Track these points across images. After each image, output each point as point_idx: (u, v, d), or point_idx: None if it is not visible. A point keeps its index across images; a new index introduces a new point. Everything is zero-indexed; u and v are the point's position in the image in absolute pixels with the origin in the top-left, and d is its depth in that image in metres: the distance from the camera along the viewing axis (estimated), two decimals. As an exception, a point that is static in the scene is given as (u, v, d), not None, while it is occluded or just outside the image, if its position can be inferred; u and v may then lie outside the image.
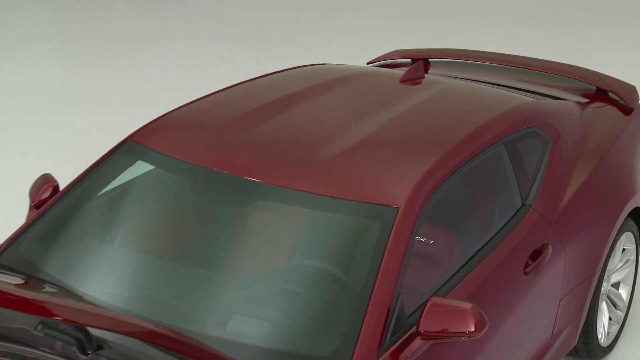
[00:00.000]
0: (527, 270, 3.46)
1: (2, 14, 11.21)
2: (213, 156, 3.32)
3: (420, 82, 4.11)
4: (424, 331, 2.77)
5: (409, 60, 5.43)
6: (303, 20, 11.10)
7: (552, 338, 3.81)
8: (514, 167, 3.64)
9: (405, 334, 2.87)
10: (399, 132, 3.43)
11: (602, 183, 4.14)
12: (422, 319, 2.77)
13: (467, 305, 2.77)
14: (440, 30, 10.73)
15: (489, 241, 3.40)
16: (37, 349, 2.83)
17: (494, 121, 3.62)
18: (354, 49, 10.05)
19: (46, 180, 3.69)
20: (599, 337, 4.31)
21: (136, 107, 8.21)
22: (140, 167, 3.65)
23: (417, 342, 2.79)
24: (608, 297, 4.46)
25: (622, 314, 4.55)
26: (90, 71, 9.21)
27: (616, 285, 4.53)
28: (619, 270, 4.48)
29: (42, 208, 3.53)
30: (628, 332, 4.70)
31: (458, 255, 3.23)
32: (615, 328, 4.51)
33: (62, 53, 9.92)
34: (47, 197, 3.62)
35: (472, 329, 2.74)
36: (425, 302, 2.80)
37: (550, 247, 3.59)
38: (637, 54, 9.76)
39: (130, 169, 3.61)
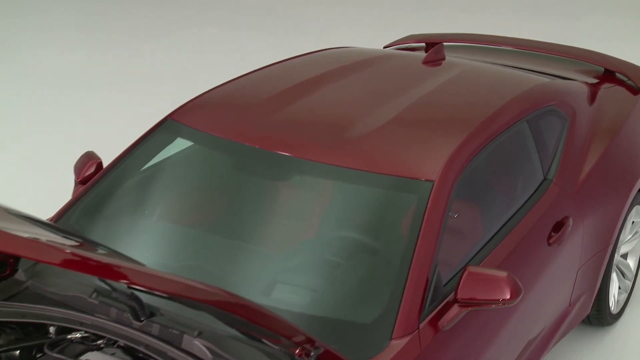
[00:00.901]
0: (550, 241, 3.41)
1: (30, 2, 11.12)
2: (251, 133, 3.26)
3: (440, 64, 4.04)
4: (462, 299, 2.71)
5: (423, 44, 5.35)
6: (311, 9, 10.99)
7: (569, 306, 3.76)
8: (536, 143, 3.58)
9: (442, 301, 2.82)
10: (427, 111, 3.37)
11: (615, 160, 4.08)
12: (459, 287, 2.71)
13: (503, 274, 2.71)
14: (442, 18, 10.64)
15: (515, 213, 3.34)
16: (92, 315, 2.78)
17: (517, 99, 3.55)
18: (361, 36, 9.95)
19: (90, 157, 3.63)
20: (610, 304, 4.26)
21: (158, 91, 8.13)
22: (180, 144, 3.59)
23: (455, 309, 2.74)
24: (617, 267, 4.41)
25: (629, 283, 4.51)
26: (114, 57, 9.12)
27: (624, 256, 4.48)
28: (628, 242, 4.43)
29: (88, 183, 3.47)
30: (635, 300, 4.66)
31: (487, 227, 3.17)
32: (624, 296, 4.46)
33: (86, 41, 9.83)
34: (91, 173, 3.56)
35: (508, 297, 2.69)
36: (462, 271, 2.74)
37: (571, 220, 3.53)
38: (627, 40, 9.68)
39: (170, 146, 3.55)
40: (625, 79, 4.79)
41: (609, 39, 9.76)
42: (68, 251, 1.94)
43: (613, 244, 3.99)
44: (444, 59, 4.12)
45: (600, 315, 4.19)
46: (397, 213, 2.94)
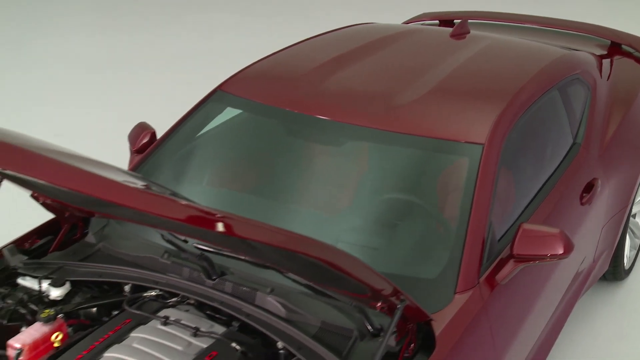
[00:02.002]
0: (582, 201, 3.34)
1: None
2: (300, 101, 3.17)
3: (465, 37, 3.94)
4: (517, 254, 2.64)
5: (437, 22, 5.26)
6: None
7: (594, 262, 3.70)
8: (565, 110, 3.50)
9: (497, 257, 2.75)
10: (464, 80, 3.28)
11: (633, 126, 4.01)
12: (515, 243, 2.64)
13: (556, 230, 2.64)
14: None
15: (551, 175, 3.27)
16: (165, 274, 2.69)
17: (548, 68, 3.47)
18: (364, 19, 9.82)
19: (144, 128, 3.53)
20: (624, 261, 4.22)
21: (177, 71, 7.99)
22: (229, 114, 3.49)
23: (511, 264, 2.66)
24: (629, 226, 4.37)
25: (638, 241, 4.46)
26: (132, 41, 8.97)
27: (634, 216, 4.43)
28: (637, 203, 4.37)
29: (146, 152, 3.38)
30: (641, 257, 4.64)
31: (529, 188, 3.09)
32: (633, 253, 4.42)
33: (101, 25, 9.65)
34: (146, 142, 3.46)
35: (561, 252, 2.62)
36: (517, 229, 2.67)
37: (599, 181, 3.47)
38: (612, 22, 9.61)
39: (219, 116, 3.46)
40: (632, 50, 4.72)
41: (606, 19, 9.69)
42: (183, 203, 1.82)
43: (631, 204, 3.93)
44: (468, 32, 4.03)
45: (615, 271, 4.15)
46: (452, 175, 2.86)
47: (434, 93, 3.14)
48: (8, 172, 2.35)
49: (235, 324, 2.56)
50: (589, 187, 3.40)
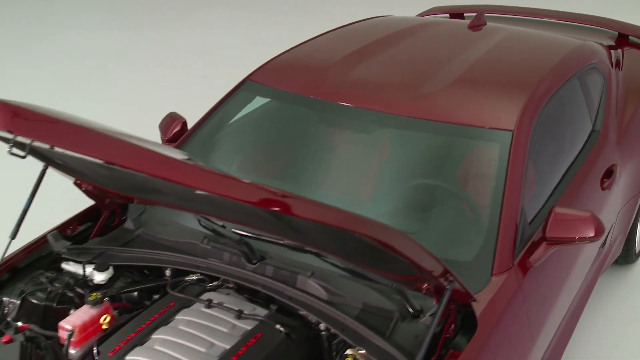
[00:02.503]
0: (603, 186, 3.32)
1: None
2: (330, 89, 3.13)
3: (482, 29, 3.90)
4: (550, 237, 2.62)
5: (447, 15, 5.22)
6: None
7: (609, 246, 3.69)
8: (585, 98, 3.47)
9: (528, 240, 2.72)
10: (489, 69, 3.24)
11: None
12: (548, 227, 2.61)
13: (587, 214, 2.62)
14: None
15: (574, 160, 3.25)
16: (206, 259, 2.66)
17: (567, 58, 3.44)
18: (365, 13, 9.77)
19: (174, 118, 3.49)
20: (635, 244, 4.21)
21: (190, 65, 7.94)
22: (258, 102, 3.45)
23: (544, 247, 2.64)
24: None
25: None
26: (142, 37, 8.91)
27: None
28: None
29: (178, 141, 3.34)
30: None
31: (554, 173, 3.06)
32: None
33: (113, 21, 9.59)
34: (178, 131, 3.43)
35: (593, 234, 2.60)
36: (549, 213, 2.64)
37: (618, 167, 3.44)
38: (617, 14, 9.56)
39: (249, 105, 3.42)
40: (639, 41, 4.68)
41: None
42: (247, 182, 1.78)
43: None
44: (485, 24, 3.99)
45: (627, 255, 4.13)
46: (480, 161, 2.83)
47: (460, 82, 3.11)
48: (58, 156, 2.32)
49: (273, 307, 2.54)
50: (609, 173, 3.38)
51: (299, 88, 3.19)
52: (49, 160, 2.58)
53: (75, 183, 2.78)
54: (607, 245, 3.59)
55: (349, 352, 2.31)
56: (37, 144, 1.78)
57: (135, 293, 2.68)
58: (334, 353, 2.39)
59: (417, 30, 3.77)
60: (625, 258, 4.14)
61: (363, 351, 2.27)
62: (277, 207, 1.74)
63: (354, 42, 3.57)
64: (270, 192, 1.74)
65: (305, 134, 3.21)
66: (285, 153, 3.23)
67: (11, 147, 1.73)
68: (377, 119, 2.97)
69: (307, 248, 2.51)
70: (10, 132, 1.68)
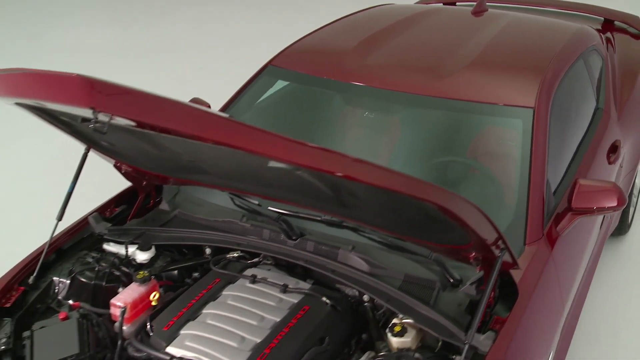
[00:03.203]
0: (610, 160, 3.32)
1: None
2: (353, 72, 3.08)
3: (483, 15, 3.87)
4: (576, 207, 2.61)
5: (440, 4, 5.18)
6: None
7: (611, 217, 3.70)
8: (589, 77, 3.46)
9: (554, 211, 2.71)
10: (501, 52, 3.21)
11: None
12: (573, 198, 2.60)
13: (610, 185, 2.61)
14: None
15: (584, 136, 3.24)
16: (247, 236, 2.61)
17: (572, 40, 3.42)
18: (351, 7, 9.68)
19: (199, 103, 3.42)
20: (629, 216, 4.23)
21: (184, 58, 7.82)
22: (278, 86, 3.39)
23: (569, 217, 2.63)
24: None
25: (635, 199, 4.47)
26: (140, 32, 8.75)
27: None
28: None
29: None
30: (637, 213, 4.65)
31: (568, 148, 3.05)
32: (632, 210, 4.43)
33: (107, 17, 9.40)
34: None
35: (615, 204, 2.59)
36: (573, 184, 2.63)
37: (621, 142, 3.45)
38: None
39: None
40: (625, 26, 4.69)
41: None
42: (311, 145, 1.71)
43: (639, 163, 3.94)
44: (487, 10, 3.96)
45: (621, 226, 4.15)
46: (504, 136, 2.81)
47: (477, 64, 3.08)
48: (111, 137, 2.24)
49: (310, 282, 2.50)
50: (614, 148, 3.38)
51: (322, 71, 3.13)
52: (94, 142, 2.51)
53: (115, 165, 2.71)
54: (609, 216, 3.60)
55: (395, 321, 2.28)
56: (116, 120, 1.70)
57: (175, 272, 2.62)
58: (380, 324, 2.35)
59: (423, 18, 3.73)
60: (619, 230, 4.17)
61: (409, 320, 2.25)
62: (347, 173, 1.68)
63: (365, 30, 3.52)
64: (341, 156, 1.68)
65: (331, 115, 3.16)
66: (312, 134, 3.18)
67: (94, 123, 1.65)
68: (402, 99, 2.93)
69: (354, 223, 2.45)
70: (93, 108, 1.61)
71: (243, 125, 1.68)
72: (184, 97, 5.92)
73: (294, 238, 2.56)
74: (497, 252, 2.06)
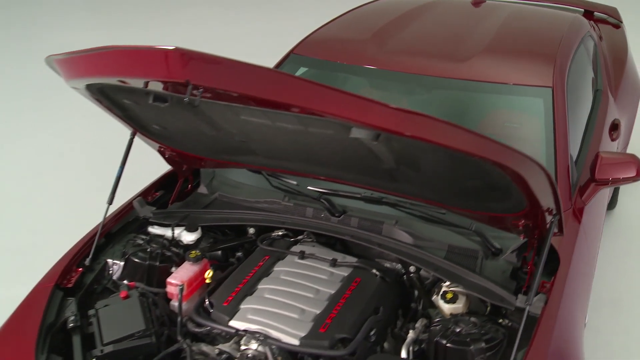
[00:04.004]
0: (612, 137, 3.34)
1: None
2: (377, 58, 3.03)
3: (481, 6, 3.86)
4: (599, 179, 2.61)
5: None
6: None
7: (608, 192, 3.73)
8: (590, 61, 3.48)
9: (577, 183, 2.70)
10: (512, 38, 3.20)
11: (630, 77, 4.04)
12: (596, 170, 2.61)
13: (630, 156, 2.62)
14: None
15: (590, 115, 3.25)
16: (290, 215, 2.55)
17: (573, 26, 3.43)
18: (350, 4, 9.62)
19: None
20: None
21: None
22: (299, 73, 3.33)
23: (593, 188, 2.63)
24: None
25: None
26: (130, 34, 8.58)
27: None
28: None
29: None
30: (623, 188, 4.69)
31: (580, 125, 3.05)
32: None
33: (96, 20, 9.20)
34: None
35: (635, 174, 2.60)
36: (595, 157, 2.63)
37: (621, 120, 3.47)
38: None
39: None
40: (605, 16, 4.72)
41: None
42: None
43: (629, 142, 3.98)
44: (485, 1, 3.95)
45: (612, 200, 4.19)
46: (527, 114, 2.80)
47: (491, 50, 3.06)
48: (169, 118, 2.17)
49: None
50: (614, 126, 3.40)
51: (346, 58, 3.08)
52: (143, 127, 2.43)
53: (159, 150, 2.63)
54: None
55: (445, 289, 2.25)
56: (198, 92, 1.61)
57: (219, 252, 2.56)
58: (434, 295, 2.30)
59: (427, 9, 3.69)
60: (610, 204, 4.20)
61: (459, 287, 2.22)
62: (448, 142, 1.64)
63: (376, 21, 3.47)
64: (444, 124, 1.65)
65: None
66: None
67: (189, 97, 1.57)
68: (427, 82, 2.90)
69: (401, 198, 2.40)
70: (188, 81, 1.53)
71: (351, 95, 1.62)
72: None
73: (337, 215, 2.52)
74: (549, 218, 2.04)
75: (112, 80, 1.80)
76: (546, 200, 1.93)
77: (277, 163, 2.42)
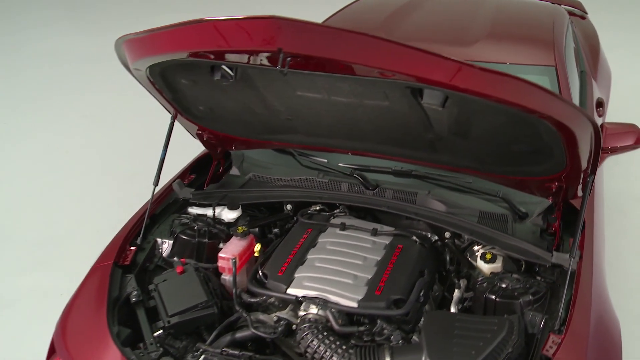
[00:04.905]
0: (599, 114, 3.40)
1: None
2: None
3: None
4: (605, 147, 2.65)
5: None
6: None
7: None
8: (575, 45, 3.54)
9: None
10: (508, 24, 3.23)
11: (603, 61, 4.13)
12: (604, 139, 2.64)
13: (631, 126, 2.67)
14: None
15: (580, 91, 3.30)
16: (326, 191, 2.52)
17: (559, 13, 3.49)
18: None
19: None
20: None
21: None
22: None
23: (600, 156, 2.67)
24: None
25: None
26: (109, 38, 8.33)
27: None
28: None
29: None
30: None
31: (575, 99, 3.07)
32: None
33: (81, 25, 8.94)
34: None
35: (633, 142, 2.65)
36: (600, 127, 2.67)
37: (604, 99, 3.54)
38: None
39: None
40: (571, 9, 4.81)
41: None
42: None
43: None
44: None
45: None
46: None
47: (494, 35, 3.07)
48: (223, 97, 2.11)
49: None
50: (599, 104, 3.46)
51: None
52: (186, 110, 2.36)
53: (197, 133, 2.56)
54: None
55: (481, 251, 2.26)
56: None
57: (257, 228, 2.52)
58: (475, 259, 2.29)
59: (422, 2, 3.68)
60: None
61: (494, 250, 2.23)
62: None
63: (380, 11, 3.45)
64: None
65: None
66: None
67: (281, 66, 1.52)
68: None
69: (438, 168, 2.38)
70: (280, 49, 1.48)
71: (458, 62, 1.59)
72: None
73: (371, 188, 2.50)
74: (588, 177, 2.04)
75: (183, 55, 1.74)
76: (585, 160, 1.95)
77: (316, 140, 2.38)
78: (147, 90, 2.24)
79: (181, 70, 1.98)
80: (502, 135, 1.94)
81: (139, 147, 4.90)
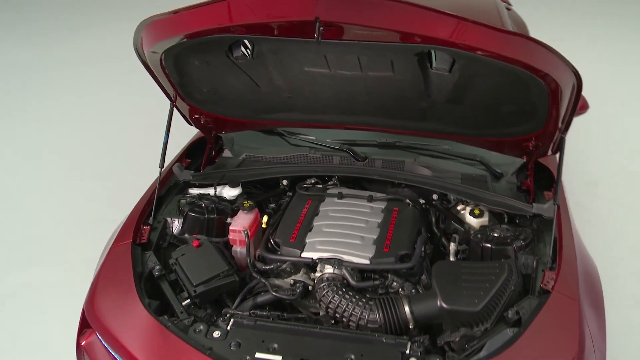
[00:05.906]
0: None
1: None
2: None
3: None
4: None
5: None
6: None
7: None
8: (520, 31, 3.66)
9: None
10: (456, 6, 3.29)
11: None
12: None
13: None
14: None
15: None
16: (319, 164, 2.52)
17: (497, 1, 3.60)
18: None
19: None
20: None
21: (115, 64, 7.26)
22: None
23: None
24: None
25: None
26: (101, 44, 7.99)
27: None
28: None
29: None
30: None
31: None
32: None
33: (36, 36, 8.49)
34: None
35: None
36: None
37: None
38: None
39: None
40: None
41: None
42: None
43: None
44: None
45: None
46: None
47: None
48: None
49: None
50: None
51: None
52: (188, 95, 2.30)
53: (193, 118, 2.50)
54: None
55: (468, 208, 2.32)
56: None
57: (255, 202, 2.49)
58: (463, 216, 2.33)
59: None
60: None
61: (480, 206, 2.30)
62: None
63: None
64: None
65: None
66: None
67: (319, 34, 1.48)
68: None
69: (425, 137, 2.41)
70: (317, 18, 1.45)
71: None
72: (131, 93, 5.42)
73: (361, 160, 2.52)
74: (558, 135, 2.12)
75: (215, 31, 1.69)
76: (562, 117, 2.03)
77: (310, 117, 2.38)
78: (151, 75, 2.17)
79: (197, 51, 1.93)
80: (494, 98, 2.00)
81: (123, 145, 4.73)
